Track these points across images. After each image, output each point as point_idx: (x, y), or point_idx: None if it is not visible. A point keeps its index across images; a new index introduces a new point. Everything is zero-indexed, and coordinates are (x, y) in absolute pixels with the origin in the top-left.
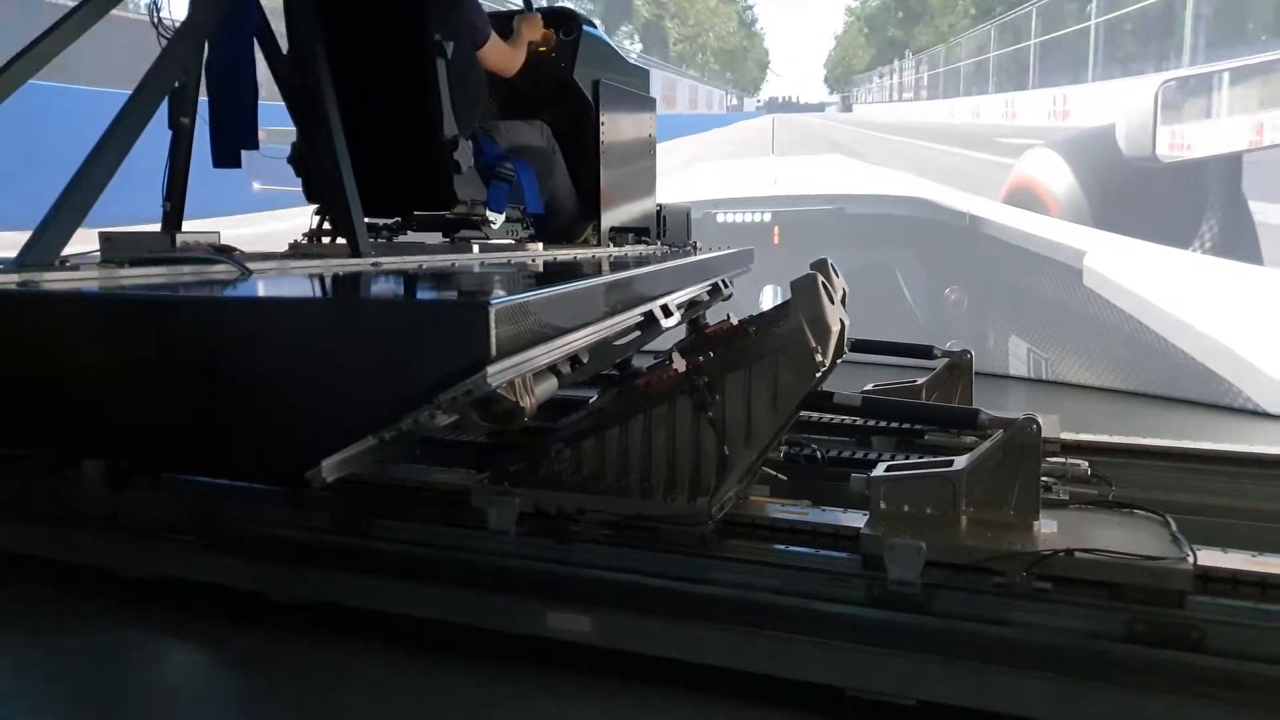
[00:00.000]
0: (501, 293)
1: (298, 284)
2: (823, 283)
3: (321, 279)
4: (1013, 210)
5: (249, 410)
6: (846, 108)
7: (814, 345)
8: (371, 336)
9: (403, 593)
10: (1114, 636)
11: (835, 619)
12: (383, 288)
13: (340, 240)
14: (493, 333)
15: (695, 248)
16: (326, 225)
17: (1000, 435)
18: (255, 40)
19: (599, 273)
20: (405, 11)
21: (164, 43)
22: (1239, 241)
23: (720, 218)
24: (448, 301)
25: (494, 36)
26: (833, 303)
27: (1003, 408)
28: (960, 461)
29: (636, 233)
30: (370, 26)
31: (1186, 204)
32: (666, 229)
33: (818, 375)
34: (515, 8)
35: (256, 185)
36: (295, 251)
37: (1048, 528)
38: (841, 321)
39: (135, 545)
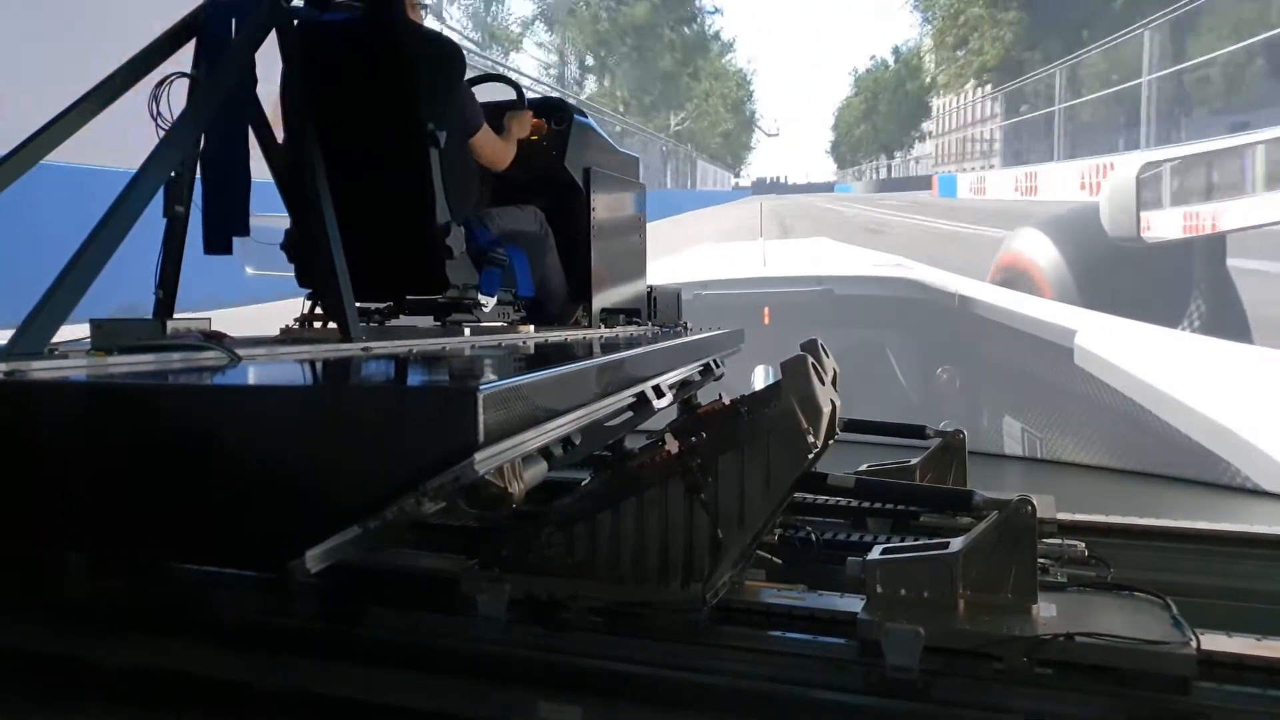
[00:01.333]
0: (490, 377)
1: (283, 369)
2: (813, 363)
3: (308, 364)
4: (1001, 290)
5: (231, 498)
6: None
7: (805, 426)
8: (356, 423)
9: (390, 682)
10: None
11: (832, 707)
12: (369, 373)
13: (332, 325)
14: (480, 418)
15: (686, 328)
16: (319, 310)
17: (995, 516)
18: (250, 128)
19: (589, 355)
20: (399, 100)
21: (161, 134)
22: (1226, 320)
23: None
24: (434, 387)
25: (485, 128)
26: (823, 383)
27: (999, 488)
28: (956, 544)
29: (627, 314)
30: (364, 114)
31: (1173, 283)
32: (657, 310)
33: (810, 456)
34: (507, 98)
35: (250, 270)
36: (286, 337)
37: (1046, 611)
38: (833, 402)
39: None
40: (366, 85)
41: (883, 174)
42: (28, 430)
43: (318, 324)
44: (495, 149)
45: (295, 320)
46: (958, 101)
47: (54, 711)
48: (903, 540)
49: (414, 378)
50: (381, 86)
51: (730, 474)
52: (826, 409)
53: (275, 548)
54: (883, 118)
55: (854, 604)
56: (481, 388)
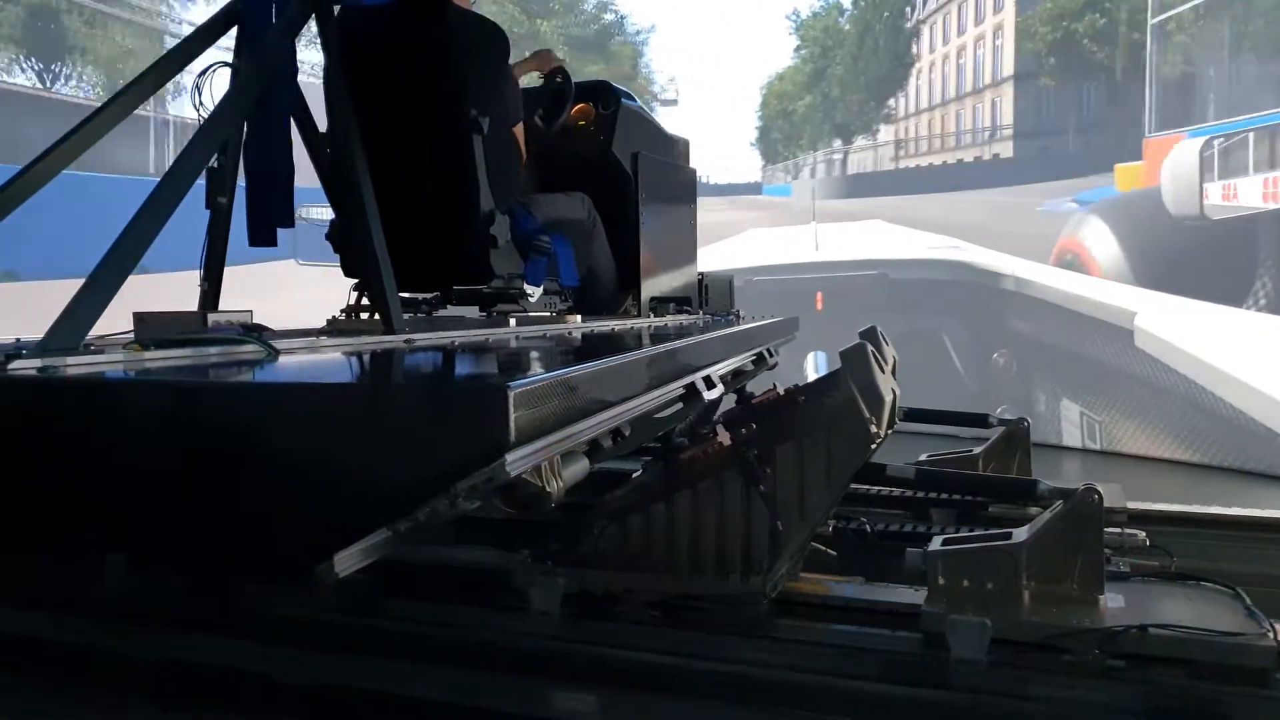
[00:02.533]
0: (525, 373)
1: (317, 365)
2: (873, 351)
3: (345, 359)
4: (1059, 272)
5: (255, 501)
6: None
7: (868, 416)
8: (383, 422)
9: (441, 678)
10: (1192, 717)
11: (896, 701)
12: (403, 369)
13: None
14: (512, 417)
15: (739, 316)
16: (365, 301)
17: (1061, 506)
18: (292, 119)
19: (636, 345)
20: (443, 86)
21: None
22: None
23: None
24: (463, 384)
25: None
26: (884, 371)
27: (1057, 478)
28: (1020, 534)
29: (678, 302)
30: (408, 102)
31: (1238, 260)
32: (709, 297)
33: (872, 447)
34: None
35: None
36: (329, 329)
37: (1114, 602)
38: (894, 391)
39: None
40: (409, 71)
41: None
42: (60, 428)
43: (364, 314)
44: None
45: (341, 311)
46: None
47: (92, 707)
48: (959, 531)
49: (447, 374)
50: (425, 72)
51: (789, 464)
52: (888, 398)
53: (300, 552)
54: (839, 82)
55: (915, 596)
56: (512, 385)
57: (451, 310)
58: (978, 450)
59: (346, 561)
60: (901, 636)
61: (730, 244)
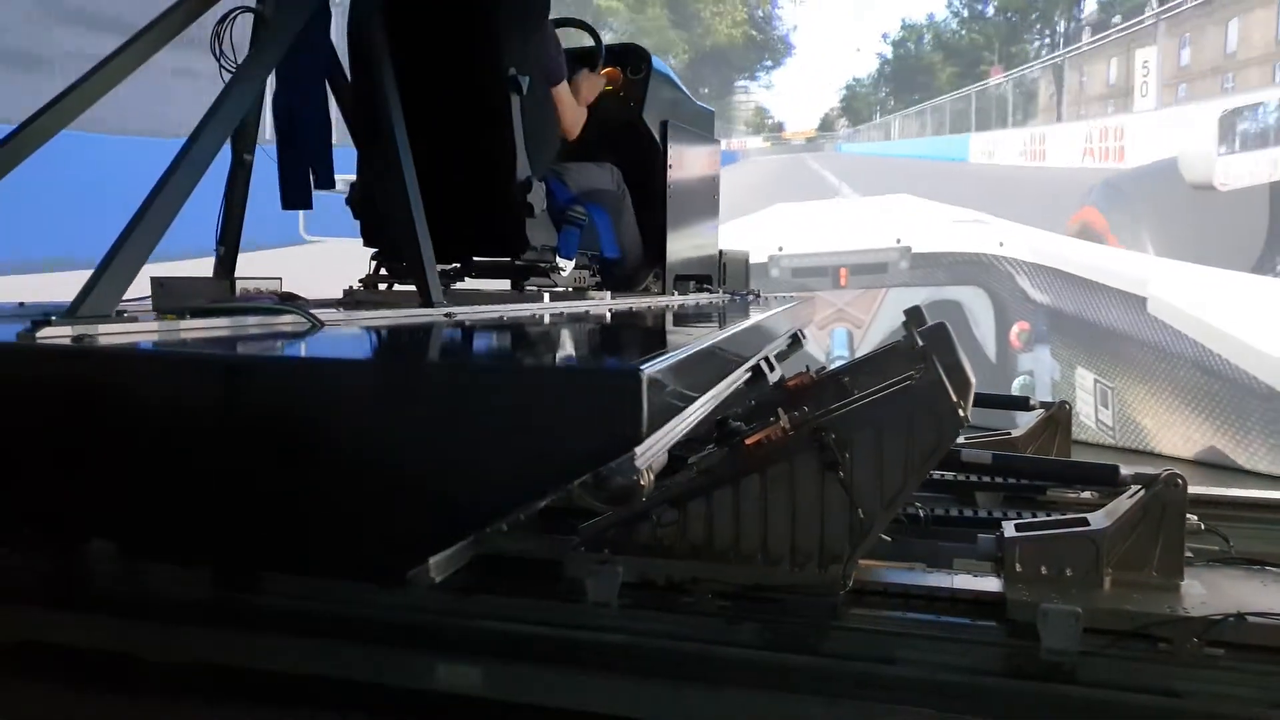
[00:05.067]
0: (642, 356)
1: (381, 342)
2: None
3: (406, 335)
4: (1075, 241)
5: (348, 496)
6: None
7: (956, 399)
8: (497, 409)
9: (492, 673)
10: None
11: (983, 691)
12: (493, 349)
13: (398, 288)
14: (645, 405)
15: (757, 295)
16: (383, 272)
17: (1143, 493)
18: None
19: (699, 326)
20: (480, 42)
21: (226, 76)
22: None
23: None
24: (592, 368)
25: (565, 83)
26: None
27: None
28: (1098, 520)
29: (698, 280)
30: (441, 58)
31: (1252, 228)
32: (726, 276)
33: (960, 431)
34: (586, 45)
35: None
36: (355, 299)
37: (1195, 589)
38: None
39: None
40: (444, 26)
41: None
42: (100, 405)
43: (381, 286)
44: (568, 110)
45: (360, 281)
46: None
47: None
48: (1020, 516)
49: (557, 355)
50: (462, 27)
51: (869, 450)
52: (973, 380)
53: (394, 557)
54: None
55: (993, 583)
56: (644, 368)
57: (469, 283)
58: (1018, 432)
59: (442, 564)
60: (986, 626)
61: (756, 218)
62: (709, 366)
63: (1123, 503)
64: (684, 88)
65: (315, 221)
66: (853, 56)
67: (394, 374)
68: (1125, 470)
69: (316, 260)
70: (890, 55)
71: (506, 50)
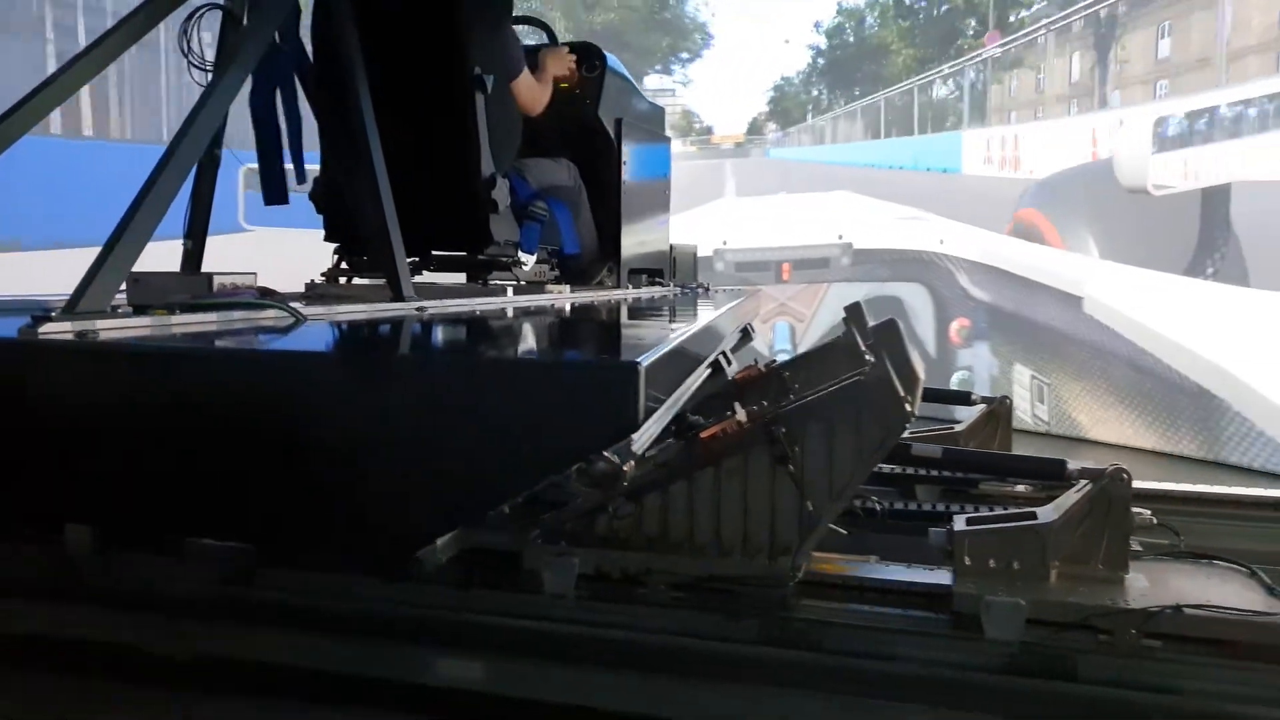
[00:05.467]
0: (636, 349)
1: (370, 336)
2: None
3: (393, 330)
4: (1014, 241)
5: (357, 481)
6: None
7: (904, 394)
8: (498, 401)
9: (451, 664)
10: (1234, 698)
11: (928, 682)
12: (492, 343)
13: (359, 281)
14: (642, 395)
15: (706, 289)
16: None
17: (1089, 486)
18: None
19: (670, 319)
20: (444, 42)
21: (195, 72)
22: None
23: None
24: (594, 362)
25: (526, 71)
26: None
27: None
28: (1046, 514)
29: (650, 274)
30: (407, 58)
31: (1184, 231)
32: (676, 269)
33: (907, 425)
34: (538, 43)
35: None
36: (320, 293)
37: (1139, 582)
38: (922, 369)
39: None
40: (411, 26)
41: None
42: (106, 398)
43: (342, 280)
44: (533, 92)
45: (322, 275)
46: None
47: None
48: (976, 510)
49: (556, 350)
50: (427, 28)
51: (820, 443)
52: (921, 375)
53: (401, 540)
54: None
55: (942, 576)
56: (642, 362)
57: (428, 277)
58: (960, 427)
59: (448, 545)
60: (931, 617)
61: (699, 213)
62: (684, 359)
63: (1070, 497)
64: (636, 85)
65: (254, 211)
66: (781, 49)
67: (403, 368)
68: (1073, 465)
69: (255, 247)
70: (824, 45)
71: (470, 50)
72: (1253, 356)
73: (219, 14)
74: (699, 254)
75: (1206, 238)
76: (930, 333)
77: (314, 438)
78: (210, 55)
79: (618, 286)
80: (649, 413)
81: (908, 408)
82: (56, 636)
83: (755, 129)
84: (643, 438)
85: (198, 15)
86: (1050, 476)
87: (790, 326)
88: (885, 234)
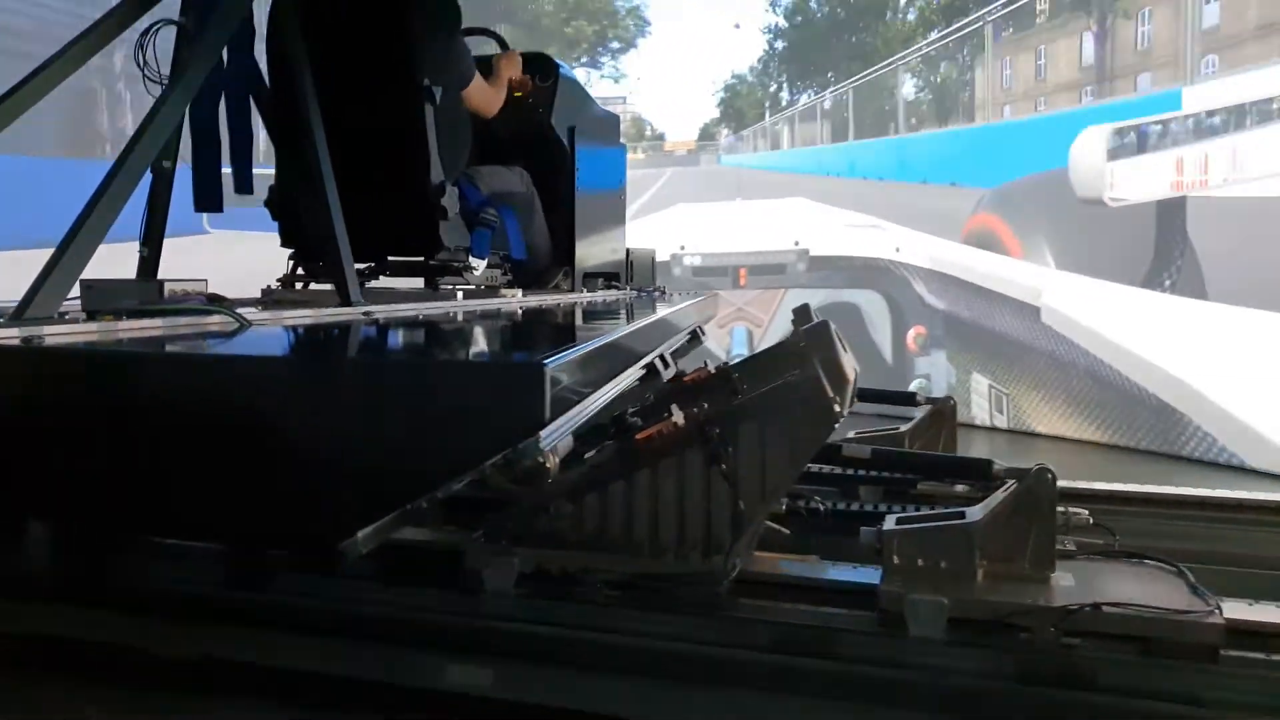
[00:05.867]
0: (548, 349)
1: (308, 339)
2: (836, 330)
3: (330, 333)
4: (971, 250)
5: (282, 476)
6: None
7: (832, 395)
8: (416, 399)
9: (393, 660)
10: (1148, 694)
11: (855, 679)
12: (411, 344)
13: (315, 286)
14: (548, 394)
15: (663, 293)
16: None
17: (1015, 486)
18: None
19: (605, 322)
20: (395, 54)
21: (149, 85)
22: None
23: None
24: (501, 362)
25: (478, 76)
26: (846, 350)
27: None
28: (974, 513)
29: (606, 278)
30: (359, 70)
31: (1139, 242)
32: (633, 273)
33: (834, 426)
34: (493, 52)
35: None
36: (275, 299)
37: (1065, 580)
38: (855, 370)
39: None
40: (360, 36)
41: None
42: (54, 401)
43: (298, 285)
44: (486, 96)
45: (277, 281)
46: None
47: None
48: (917, 510)
49: (469, 350)
50: (377, 39)
51: (751, 443)
52: (851, 376)
53: (325, 531)
54: None
55: (873, 575)
56: (548, 362)
57: (384, 281)
58: (905, 428)
59: (370, 537)
60: (859, 615)
61: (659, 218)
62: (607, 360)
63: (998, 496)
64: (589, 94)
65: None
66: (731, 35)
67: (323, 369)
68: (999, 465)
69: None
70: (783, 25)
71: (420, 62)
72: (1213, 370)
73: (174, 30)
74: (657, 259)
75: (1163, 250)
76: (887, 340)
77: (243, 437)
78: (166, 70)
79: (573, 290)
80: (564, 410)
81: (836, 408)
82: None
83: (707, 134)
84: (554, 436)
85: (153, 31)
86: (977, 476)
87: (748, 331)
88: (841, 241)
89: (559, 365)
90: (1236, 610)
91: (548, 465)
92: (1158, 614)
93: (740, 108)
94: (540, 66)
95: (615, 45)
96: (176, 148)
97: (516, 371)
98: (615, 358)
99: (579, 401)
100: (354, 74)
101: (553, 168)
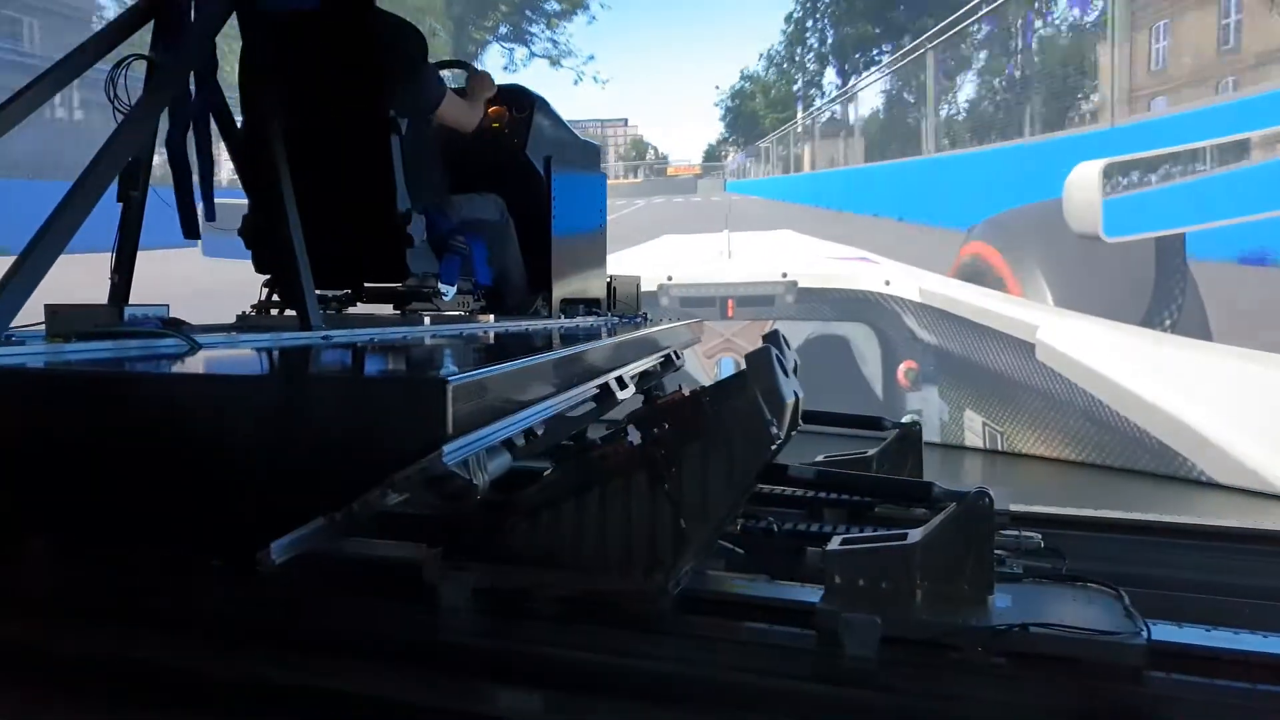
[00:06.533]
0: (458, 368)
1: (247, 359)
2: (777, 355)
3: (272, 354)
4: (962, 285)
5: (199, 488)
6: None
7: (769, 418)
8: (324, 414)
9: (349, 671)
10: (1072, 714)
11: (792, 696)
12: (336, 363)
13: (289, 312)
14: (449, 410)
15: (646, 319)
16: (275, 297)
17: (953, 508)
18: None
19: (552, 346)
20: (361, 86)
21: (119, 117)
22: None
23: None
24: (404, 378)
25: (450, 94)
26: (787, 375)
27: (960, 478)
28: (915, 535)
29: (587, 304)
30: (326, 100)
31: (1136, 279)
32: (617, 300)
33: (773, 448)
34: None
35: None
36: (244, 324)
37: (1002, 602)
38: (796, 394)
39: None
40: (327, 70)
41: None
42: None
43: (274, 310)
44: (461, 111)
45: (252, 307)
46: None
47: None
48: (861, 531)
49: (382, 368)
50: (343, 72)
51: (694, 464)
52: (790, 400)
53: (243, 538)
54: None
55: (813, 594)
56: (451, 379)
57: (362, 308)
58: (872, 451)
59: (284, 549)
60: (797, 633)
61: (645, 249)
62: (531, 381)
63: (937, 519)
64: (567, 125)
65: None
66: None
67: (238, 387)
68: (939, 487)
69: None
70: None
71: (387, 93)
72: (1214, 411)
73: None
74: (645, 287)
75: (1162, 287)
76: (878, 374)
77: (174, 450)
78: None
79: (550, 316)
80: (472, 427)
81: (774, 430)
82: None
83: (713, 156)
84: (460, 451)
85: (125, 65)
86: (918, 498)
87: (735, 361)
88: (830, 274)
89: (466, 383)
90: (1164, 632)
91: (475, 483)
92: (1083, 635)
93: (754, 112)
94: (516, 98)
95: (554, 6)
96: (146, 177)
97: (420, 388)
98: (541, 378)
99: (495, 418)
100: (322, 106)
101: (529, 196)
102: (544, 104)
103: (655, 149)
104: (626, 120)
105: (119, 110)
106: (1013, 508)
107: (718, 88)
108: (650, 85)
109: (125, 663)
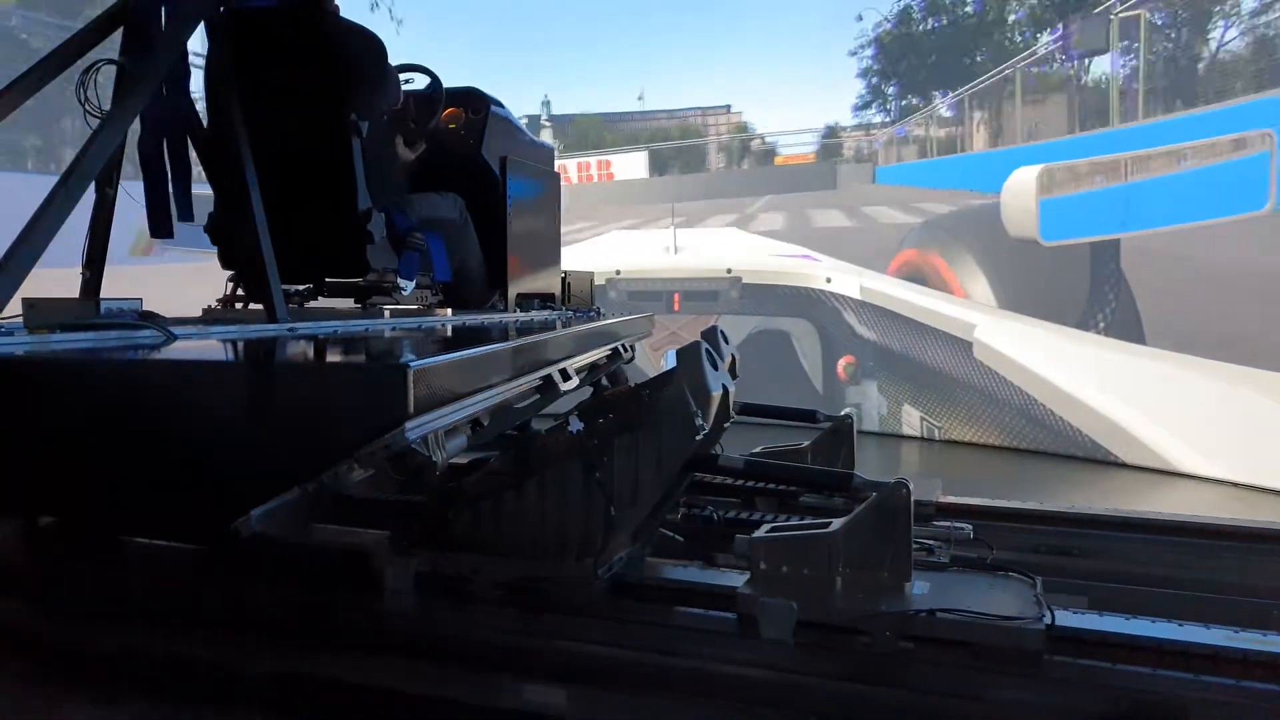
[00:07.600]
0: (418, 355)
1: (222, 348)
2: (707, 349)
3: (244, 344)
4: (903, 285)
5: (174, 471)
6: None
7: (694, 410)
8: (300, 398)
9: (295, 654)
10: (967, 696)
11: (713, 679)
12: (307, 352)
13: (254, 305)
14: (410, 392)
15: (599, 313)
16: (240, 291)
17: (873, 498)
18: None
19: (502, 337)
20: (323, 90)
21: (90, 119)
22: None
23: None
24: (372, 364)
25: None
26: (716, 369)
27: (899, 468)
28: (838, 523)
29: (541, 299)
30: (289, 103)
31: (1069, 282)
32: (571, 295)
33: (699, 439)
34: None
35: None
36: (212, 317)
37: (919, 589)
38: (725, 387)
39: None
40: (291, 75)
41: None
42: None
43: (238, 305)
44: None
45: (218, 301)
46: None
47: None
48: (789, 519)
49: (349, 356)
50: (307, 77)
51: (625, 454)
52: (717, 393)
53: (218, 516)
54: None
55: (738, 580)
56: (411, 364)
57: (323, 302)
58: (807, 444)
59: (261, 518)
60: (720, 617)
61: (593, 244)
62: (482, 369)
63: (858, 509)
64: (522, 127)
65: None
66: None
67: (216, 373)
68: (860, 478)
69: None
70: None
71: (349, 98)
72: (1144, 410)
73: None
74: (596, 281)
75: (1097, 291)
76: (819, 369)
77: (149, 433)
78: (108, 107)
79: (506, 310)
80: (430, 408)
81: (699, 422)
82: None
83: (830, 151)
84: (420, 429)
85: (94, 69)
86: (839, 488)
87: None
88: (773, 270)
89: (424, 368)
90: (1066, 619)
91: (435, 460)
92: (987, 620)
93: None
94: (471, 101)
95: None
96: (118, 175)
97: (384, 373)
98: (492, 366)
99: (450, 401)
100: (286, 107)
101: (485, 196)
102: (499, 106)
103: (761, 137)
104: (729, 106)
105: (89, 112)
106: (950, 499)
107: (860, 18)
108: (755, 68)
109: (70, 648)
